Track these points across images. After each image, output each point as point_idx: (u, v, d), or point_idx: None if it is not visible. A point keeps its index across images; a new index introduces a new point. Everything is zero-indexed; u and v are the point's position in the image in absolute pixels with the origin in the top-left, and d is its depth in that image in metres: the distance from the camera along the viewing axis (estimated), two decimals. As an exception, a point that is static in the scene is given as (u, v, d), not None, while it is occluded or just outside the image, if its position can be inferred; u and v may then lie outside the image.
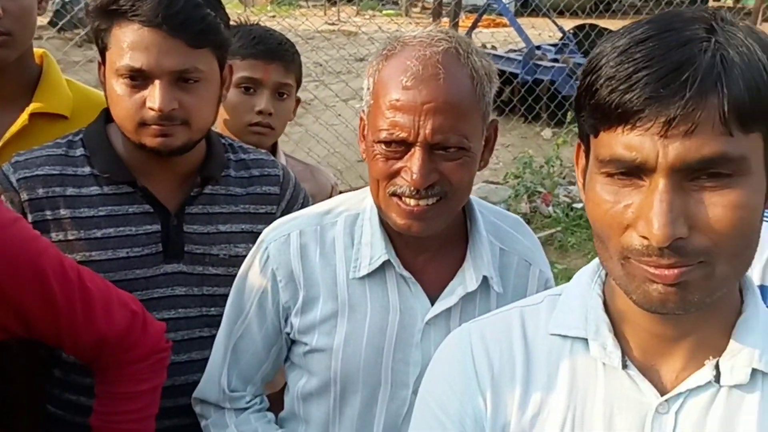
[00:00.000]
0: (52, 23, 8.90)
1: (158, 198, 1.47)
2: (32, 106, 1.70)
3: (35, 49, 1.77)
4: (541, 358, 0.93)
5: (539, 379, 0.92)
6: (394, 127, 1.16)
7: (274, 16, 8.83)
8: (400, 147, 1.17)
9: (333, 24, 12.53)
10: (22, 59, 1.68)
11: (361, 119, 1.29)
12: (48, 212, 1.38)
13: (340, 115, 5.83)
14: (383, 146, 1.19)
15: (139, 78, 1.36)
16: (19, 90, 1.71)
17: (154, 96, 1.35)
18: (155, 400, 1.33)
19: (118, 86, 1.37)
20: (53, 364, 1.47)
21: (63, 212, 1.40)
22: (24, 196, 1.38)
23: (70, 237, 1.38)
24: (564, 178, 6.69)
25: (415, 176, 1.15)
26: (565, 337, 0.93)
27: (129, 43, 1.34)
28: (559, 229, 5.72)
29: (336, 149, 5.67)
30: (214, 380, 1.42)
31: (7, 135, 1.67)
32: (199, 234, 1.50)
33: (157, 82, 1.35)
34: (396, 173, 1.19)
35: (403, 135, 1.16)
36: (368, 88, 1.24)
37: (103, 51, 1.41)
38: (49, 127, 1.69)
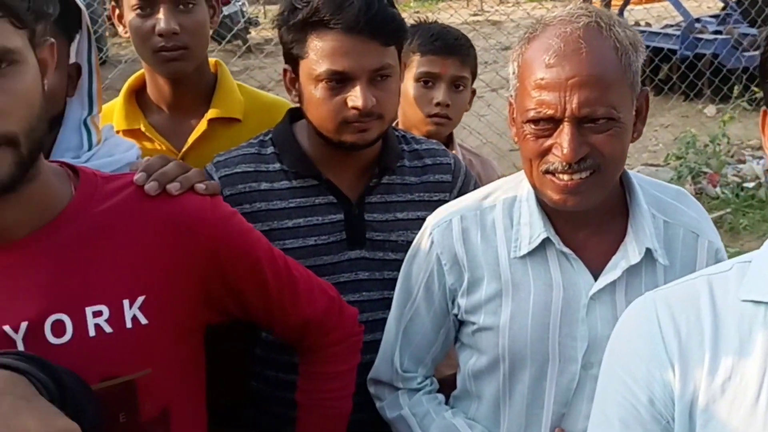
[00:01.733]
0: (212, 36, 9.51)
1: (341, 189, 1.58)
2: (210, 112, 1.85)
3: (210, 59, 1.92)
4: (731, 324, 0.93)
5: (730, 344, 0.92)
6: (541, 105, 1.20)
7: (417, 11, 8.94)
8: (548, 125, 1.21)
9: (477, 15, 12.48)
10: (199, 70, 1.83)
11: (510, 104, 1.33)
12: (246, 205, 1.53)
13: (490, 105, 5.83)
14: (532, 126, 1.22)
15: (339, 80, 1.46)
16: (197, 98, 1.86)
17: (356, 96, 1.45)
18: (352, 379, 1.42)
19: (318, 90, 1.48)
20: (255, 343, 1.63)
21: (258, 205, 1.54)
22: (226, 192, 1.52)
23: (266, 228, 1.50)
24: (732, 156, 6.31)
25: (565, 151, 1.18)
26: (758, 303, 0.93)
27: (330, 49, 1.45)
28: (728, 210, 5.42)
29: (488, 139, 5.69)
30: (388, 361, 1.50)
31: (190, 140, 1.84)
32: (379, 222, 1.60)
33: (357, 82, 1.45)
34: (547, 151, 1.22)
35: (551, 112, 1.19)
36: (513, 72, 1.28)
37: (295, 60, 1.52)
38: (226, 130, 1.85)
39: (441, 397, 1.52)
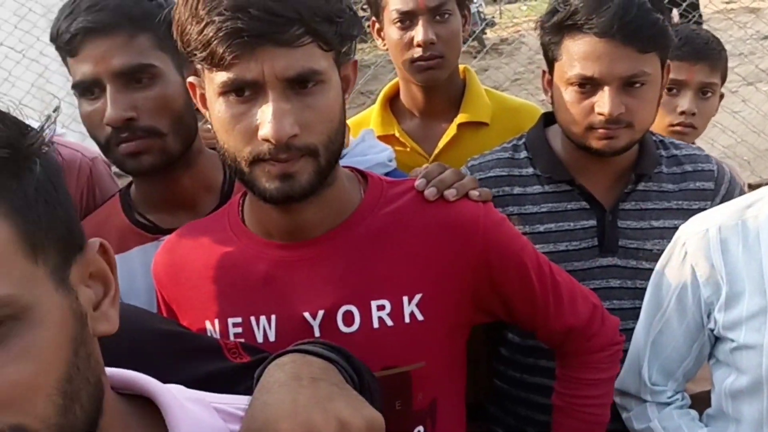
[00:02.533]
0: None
1: (594, 195, 1.56)
2: (460, 117, 1.92)
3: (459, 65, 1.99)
4: None
5: None
6: None
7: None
8: None
9: (731, 2, 11.47)
10: (450, 76, 1.90)
11: None
12: (499, 209, 1.55)
13: (746, 100, 5.36)
14: None
15: (588, 85, 1.45)
16: (447, 104, 1.95)
17: (603, 102, 1.43)
18: (611, 389, 1.40)
19: (568, 94, 1.49)
20: (501, 343, 1.66)
21: (511, 209, 1.57)
22: None
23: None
24: None
25: None
26: None
27: (582, 53, 1.44)
28: None
29: (743, 138, 5.23)
30: (635, 372, 1.46)
31: (441, 144, 1.92)
32: (633, 229, 1.56)
33: (606, 88, 1.43)
34: None
35: None
36: None
37: (551, 62, 1.54)
38: (474, 134, 1.91)
39: (694, 413, 1.45)
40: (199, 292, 1.20)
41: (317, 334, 1.14)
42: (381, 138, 1.88)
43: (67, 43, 1.31)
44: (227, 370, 1.01)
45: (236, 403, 0.84)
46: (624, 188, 1.58)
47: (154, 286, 1.30)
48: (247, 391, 0.89)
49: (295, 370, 0.86)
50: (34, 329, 0.62)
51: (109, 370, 0.76)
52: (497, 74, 7.57)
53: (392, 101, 2.02)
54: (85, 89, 1.33)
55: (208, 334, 1.19)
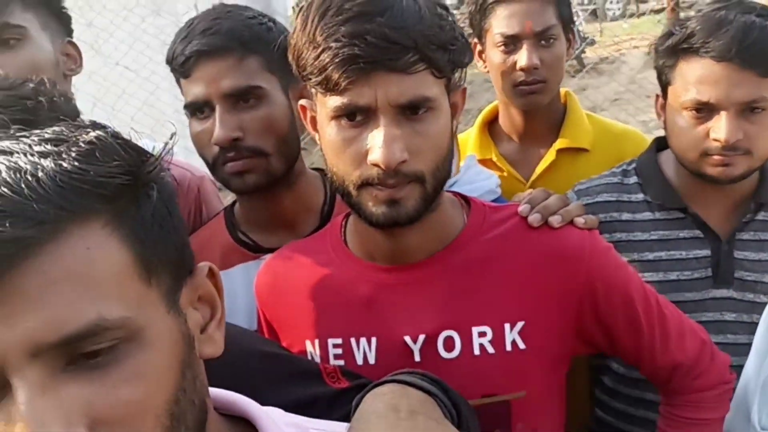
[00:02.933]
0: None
1: (708, 224, 1.49)
2: (559, 142, 1.87)
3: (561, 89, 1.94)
4: None
5: None
6: None
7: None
8: None
9: None
10: (551, 100, 1.86)
11: None
12: (606, 235, 1.50)
13: None
14: None
15: (704, 110, 1.40)
16: (547, 128, 1.90)
17: (720, 128, 1.37)
18: (720, 429, 1.33)
19: (683, 119, 1.43)
20: (604, 373, 1.60)
21: (619, 236, 1.52)
22: None
23: (625, 259, 1.48)
24: None
25: None
26: None
27: (697, 77, 1.39)
28: None
29: None
30: (744, 414, 1.35)
31: (538, 170, 1.88)
32: (751, 261, 1.48)
33: (723, 113, 1.37)
34: None
35: None
36: None
37: (665, 86, 1.49)
38: (573, 160, 1.86)
39: None
40: (300, 313, 1.21)
41: (417, 358, 1.13)
42: (479, 162, 1.86)
43: (181, 65, 1.35)
44: (325, 395, 1.01)
45: (334, 429, 0.83)
46: (742, 217, 1.50)
47: (254, 303, 1.32)
48: (344, 417, 0.88)
49: (394, 402, 0.85)
50: (146, 351, 0.63)
51: (212, 390, 0.77)
52: (596, 94, 7.40)
53: (490, 125, 1.99)
54: (196, 109, 1.37)
55: (308, 354, 1.19)
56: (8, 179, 0.59)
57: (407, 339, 1.13)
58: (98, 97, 4.65)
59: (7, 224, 0.57)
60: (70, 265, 0.60)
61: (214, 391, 0.79)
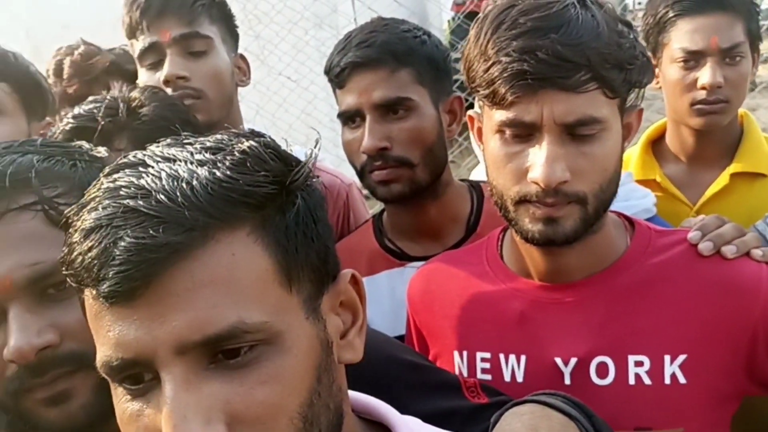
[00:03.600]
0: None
1: None
2: (733, 166, 1.75)
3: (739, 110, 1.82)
4: None
5: None
6: None
7: None
8: None
9: None
10: (728, 123, 1.75)
11: None
12: None
13: None
14: None
15: None
16: (720, 150, 1.78)
17: None
18: None
19: None
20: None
21: None
22: None
23: None
24: None
25: None
26: None
27: None
28: None
29: None
30: None
31: (708, 194, 1.76)
32: None
33: None
34: None
35: None
36: None
37: None
38: (749, 185, 1.74)
39: None
40: (451, 322, 1.21)
41: (567, 381, 1.09)
42: (640, 182, 1.78)
43: (336, 76, 1.42)
44: (464, 409, 1.01)
45: None
46: None
47: (398, 310, 1.35)
48: None
49: (534, 423, 0.83)
50: (283, 355, 0.65)
51: (352, 394, 0.78)
52: (767, 115, 6.88)
53: (655, 144, 1.90)
54: (348, 118, 1.43)
55: (455, 365, 1.19)
56: (166, 186, 0.63)
57: (558, 361, 1.10)
58: (261, 105, 4.91)
59: (161, 230, 0.61)
60: (216, 271, 0.63)
61: (355, 395, 0.80)
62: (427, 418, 0.85)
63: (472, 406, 1.01)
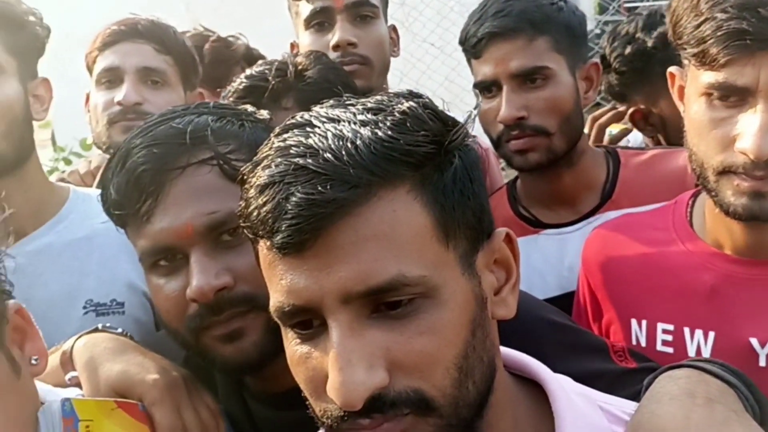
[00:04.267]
0: None
1: None
2: None
3: None
4: None
5: None
6: None
7: None
8: None
9: None
10: None
11: None
12: None
13: None
14: None
15: None
16: None
17: None
18: None
19: None
20: None
21: None
22: None
23: None
24: None
25: None
26: None
27: None
28: None
29: None
30: None
31: None
32: None
33: None
34: None
35: None
36: None
37: None
38: None
39: None
40: (630, 288, 1.18)
41: (762, 363, 1.04)
42: None
43: (473, 46, 1.44)
44: (611, 372, 1.01)
45: (622, 406, 0.83)
46: None
47: (530, 277, 1.35)
48: (629, 397, 0.87)
49: (690, 387, 0.82)
50: (440, 308, 0.69)
51: (504, 350, 0.81)
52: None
53: None
54: (484, 89, 1.45)
55: (633, 332, 1.16)
56: (332, 146, 0.68)
57: (754, 341, 1.04)
58: (404, 72, 4.96)
59: (328, 186, 0.66)
60: (378, 226, 0.67)
61: (507, 351, 0.83)
62: (575, 379, 0.85)
63: (620, 369, 1.01)
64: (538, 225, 1.49)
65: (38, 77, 1.50)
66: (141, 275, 1.09)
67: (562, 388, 0.80)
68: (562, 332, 1.07)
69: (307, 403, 0.73)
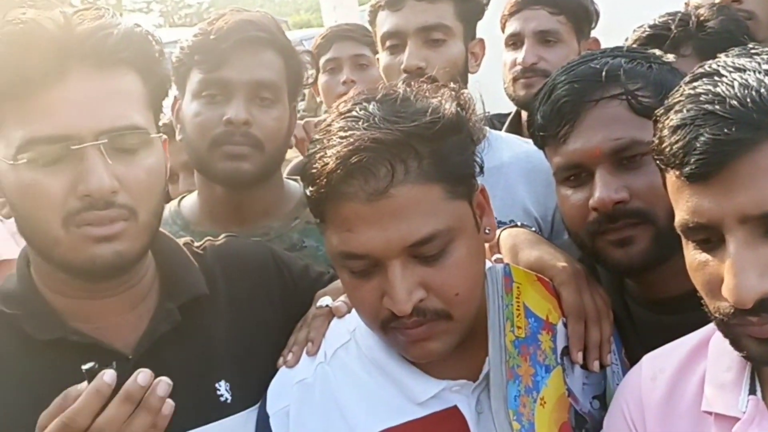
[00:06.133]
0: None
1: None
2: None
3: None
4: None
5: None
6: None
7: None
8: None
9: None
10: None
11: None
12: None
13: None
14: None
15: None
16: None
17: None
18: None
19: None
20: None
21: None
22: None
23: None
24: None
25: None
26: None
27: None
28: None
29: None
30: None
31: None
32: None
33: None
34: None
35: None
36: None
37: None
38: None
39: None
40: None
41: None
42: None
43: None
44: None
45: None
46: None
47: None
48: None
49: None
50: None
51: None
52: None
53: None
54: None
55: None
56: (738, 94, 0.78)
57: None
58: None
59: (733, 129, 0.77)
60: None
61: None
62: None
63: None
64: None
65: (476, 38, 1.84)
66: (535, 202, 1.43)
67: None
68: None
69: (688, 307, 0.88)
